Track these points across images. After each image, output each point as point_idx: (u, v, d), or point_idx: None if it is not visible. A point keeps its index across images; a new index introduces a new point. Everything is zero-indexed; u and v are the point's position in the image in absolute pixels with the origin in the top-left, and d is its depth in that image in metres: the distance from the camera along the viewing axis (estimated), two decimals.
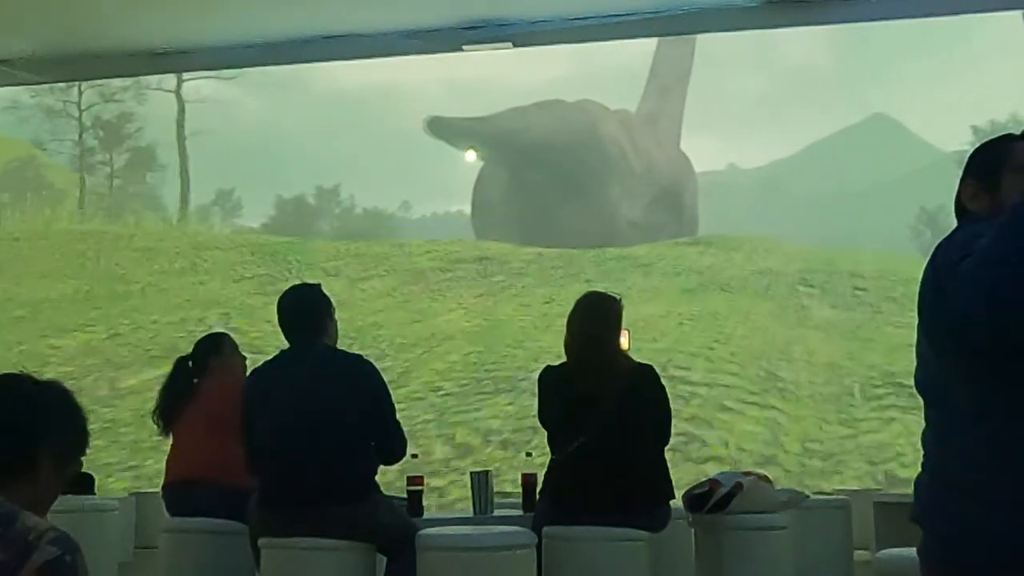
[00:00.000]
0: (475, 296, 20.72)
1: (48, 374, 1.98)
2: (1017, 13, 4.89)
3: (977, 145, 2.12)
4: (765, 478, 4.62)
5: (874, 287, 21.43)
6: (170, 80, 31.94)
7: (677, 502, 4.41)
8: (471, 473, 4.70)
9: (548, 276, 22.10)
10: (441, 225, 28.40)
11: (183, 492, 4.91)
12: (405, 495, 4.53)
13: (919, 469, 1.93)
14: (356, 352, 4.42)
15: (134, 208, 34.44)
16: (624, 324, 4.39)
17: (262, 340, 14.81)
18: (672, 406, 4.31)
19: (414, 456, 4.71)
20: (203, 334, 5.71)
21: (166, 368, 5.41)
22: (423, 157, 29.51)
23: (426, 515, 4.58)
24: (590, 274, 21.69)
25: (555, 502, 4.20)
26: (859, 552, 6.04)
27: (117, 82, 31.38)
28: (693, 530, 4.61)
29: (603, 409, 4.12)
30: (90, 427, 1.92)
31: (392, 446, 4.18)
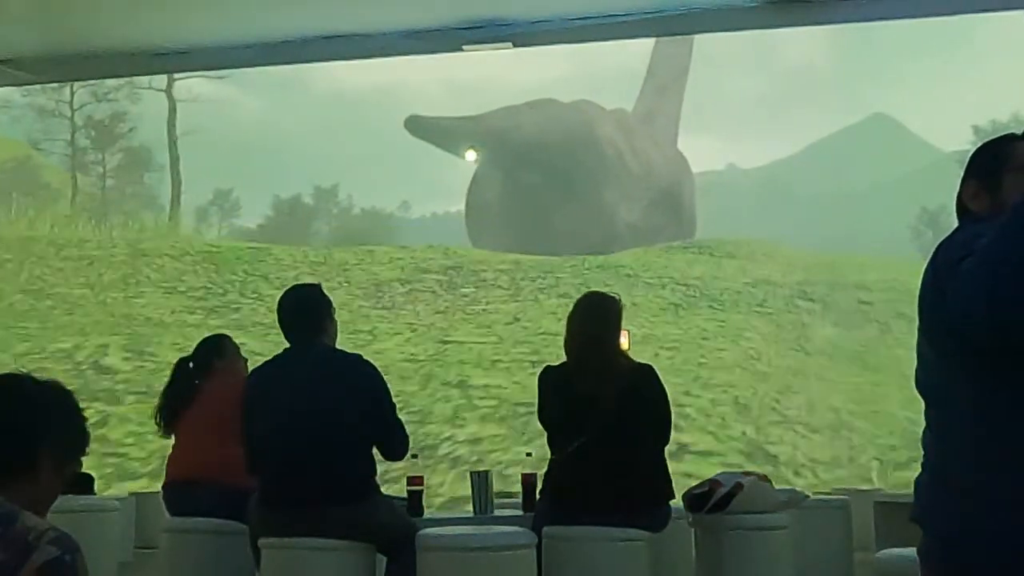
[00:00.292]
0: (433, 313, 19.04)
1: None
2: (1018, 13, 4.90)
3: (978, 145, 2.12)
4: (765, 478, 4.62)
5: (880, 300, 19.91)
6: (161, 79, 31.53)
7: (677, 502, 4.41)
8: (471, 473, 4.70)
9: (520, 288, 20.67)
10: (441, 225, 28.25)
11: (183, 491, 4.91)
12: (405, 495, 4.53)
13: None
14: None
15: (125, 209, 34.16)
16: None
17: (152, 374, 13.74)
18: None
19: (414, 456, 4.71)
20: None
21: None
22: (423, 157, 29.38)
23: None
24: (566, 286, 20.05)
25: (555, 502, 4.21)
26: (859, 552, 6.03)
27: (110, 81, 31.02)
28: (693, 530, 4.61)
29: (603, 409, 4.12)
30: None
31: (394, 444, 4.19)
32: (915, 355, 1.93)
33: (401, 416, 4.34)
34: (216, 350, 5.23)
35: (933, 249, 1.87)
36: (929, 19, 5.29)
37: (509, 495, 5.34)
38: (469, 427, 14.15)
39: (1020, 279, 1.57)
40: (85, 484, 6.48)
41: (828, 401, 15.78)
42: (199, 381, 5.13)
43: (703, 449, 13.14)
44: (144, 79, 31.05)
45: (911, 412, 12.62)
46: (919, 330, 1.91)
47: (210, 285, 20.23)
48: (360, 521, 4.01)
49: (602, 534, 4.06)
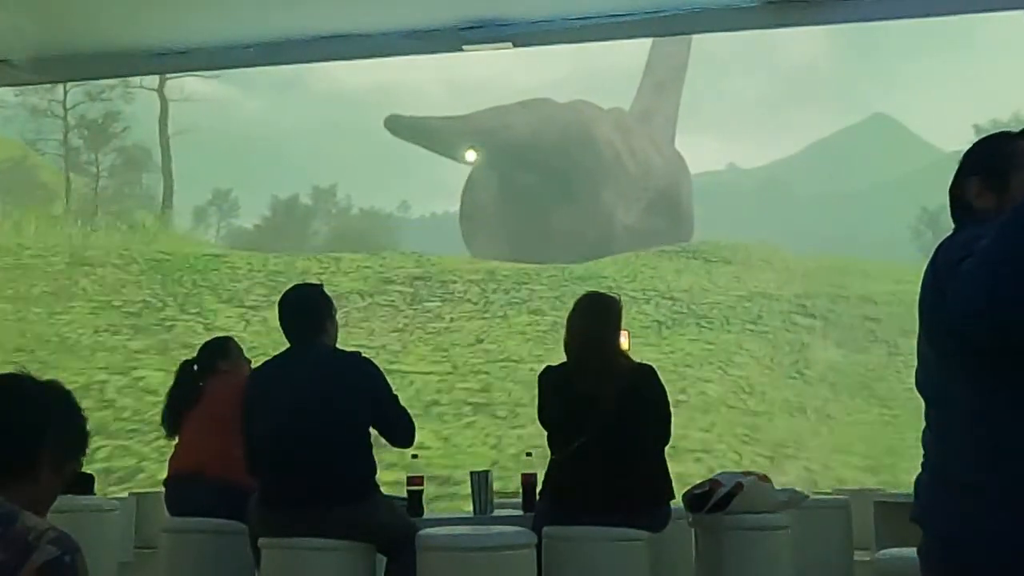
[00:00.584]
0: (389, 332, 17.71)
1: None
2: (1018, 13, 4.90)
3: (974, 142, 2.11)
4: (765, 478, 4.62)
5: (887, 316, 18.15)
6: (153, 77, 31.14)
7: (677, 502, 4.41)
8: (471, 473, 4.70)
9: (490, 302, 19.06)
10: (440, 225, 28.11)
11: (184, 486, 4.92)
12: (405, 495, 4.53)
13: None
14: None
15: (113, 210, 33.78)
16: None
17: None
18: None
19: (414, 456, 4.71)
20: None
21: None
22: (423, 157, 29.23)
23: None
24: (540, 301, 18.74)
25: (555, 502, 4.21)
26: (859, 552, 6.03)
27: (103, 80, 30.60)
28: (693, 530, 4.61)
29: (603, 409, 4.12)
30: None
31: (397, 435, 4.21)
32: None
33: None
34: (221, 352, 5.25)
35: (933, 249, 1.87)
36: (929, 19, 5.28)
37: (509, 495, 5.34)
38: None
39: (1020, 279, 1.57)
40: (85, 484, 6.48)
41: (833, 469, 13.66)
42: (203, 383, 5.15)
43: None
44: (135, 78, 30.62)
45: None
46: (919, 329, 1.91)
47: (150, 299, 18.91)
48: (360, 521, 4.01)
49: (602, 534, 4.05)
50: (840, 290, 20.14)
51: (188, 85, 34.33)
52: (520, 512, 4.52)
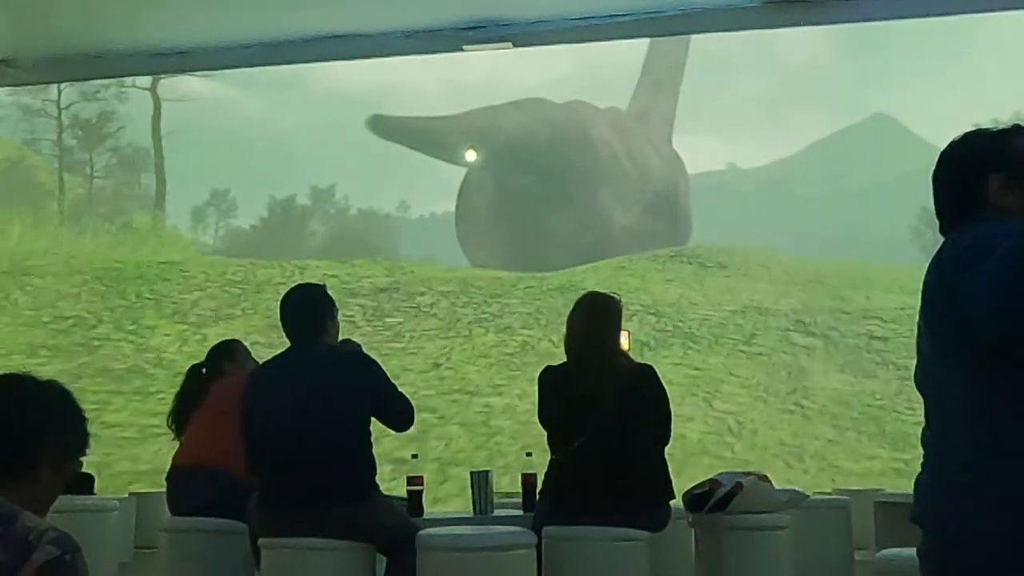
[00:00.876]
0: None
1: None
2: (1018, 13, 4.89)
3: (977, 135, 2.05)
4: (765, 478, 4.62)
5: (895, 335, 16.31)
6: (146, 77, 30.70)
7: (677, 502, 4.41)
8: (471, 473, 4.70)
9: (457, 318, 17.66)
10: (440, 225, 27.95)
11: (183, 479, 4.96)
12: (405, 495, 4.54)
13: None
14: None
15: (101, 212, 33.45)
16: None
17: None
18: None
19: (414, 456, 4.72)
20: None
21: None
22: (423, 157, 29.10)
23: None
24: (510, 317, 17.15)
25: (555, 502, 4.21)
26: (859, 552, 6.03)
27: (97, 79, 30.46)
28: (693, 530, 4.61)
29: (603, 409, 4.13)
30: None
31: (395, 421, 4.22)
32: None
33: None
34: (227, 353, 5.33)
35: (936, 249, 1.86)
36: (929, 19, 5.28)
37: (509, 495, 5.35)
38: None
39: None
40: (85, 484, 6.49)
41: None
42: (210, 384, 5.20)
43: None
44: (128, 78, 30.15)
45: None
46: (919, 328, 1.90)
47: (85, 314, 17.52)
48: (360, 521, 4.01)
49: (602, 534, 4.05)
50: (842, 303, 18.43)
51: (188, 85, 34.23)
52: (520, 512, 4.53)
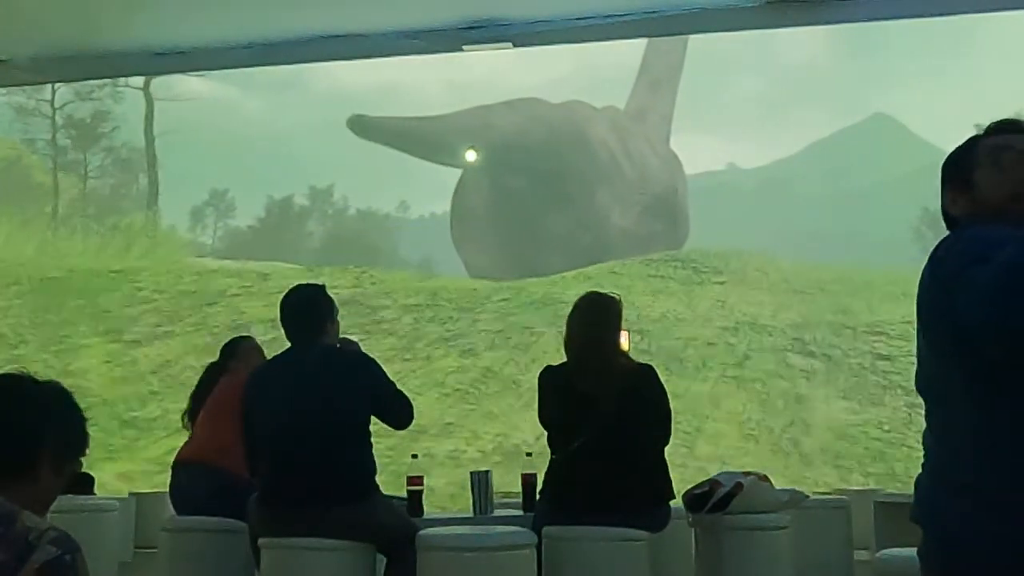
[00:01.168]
0: None
1: None
2: (1018, 13, 4.90)
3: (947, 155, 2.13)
4: (765, 478, 4.62)
5: (903, 356, 14.46)
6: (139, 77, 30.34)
7: (677, 502, 4.41)
8: (471, 473, 4.71)
9: (418, 336, 16.19)
10: (440, 226, 27.81)
11: (182, 473, 5.09)
12: (405, 495, 4.54)
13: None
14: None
15: (104, 213, 33.24)
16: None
17: None
18: None
19: (414, 456, 4.72)
20: None
21: None
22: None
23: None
24: (477, 336, 15.59)
25: (555, 502, 4.21)
26: (859, 552, 6.03)
27: (94, 80, 30.12)
28: (693, 530, 4.61)
29: (603, 409, 4.13)
30: None
31: (394, 419, 4.24)
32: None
33: None
34: (231, 351, 5.44)
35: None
36: (929, 19, 5.28)
37: (509, 495, 5.35)
38: None
39: None
40: (85, 484, 6.50)
41: None
42: (217, 380, 5.34)
43: None
44: (122, 77, 30.14)
45: None
46: (917, 331, 1.90)
47: (8, 332, 16.09)
48: (360, 521, 4.01)
49: (602, 534, 4.05)
50: (844, 316, 16.72)
51: (187, 85, 34.16)
52: (520, 512, 4.53)
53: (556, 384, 4.31)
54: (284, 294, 4.41)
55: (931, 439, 1.88)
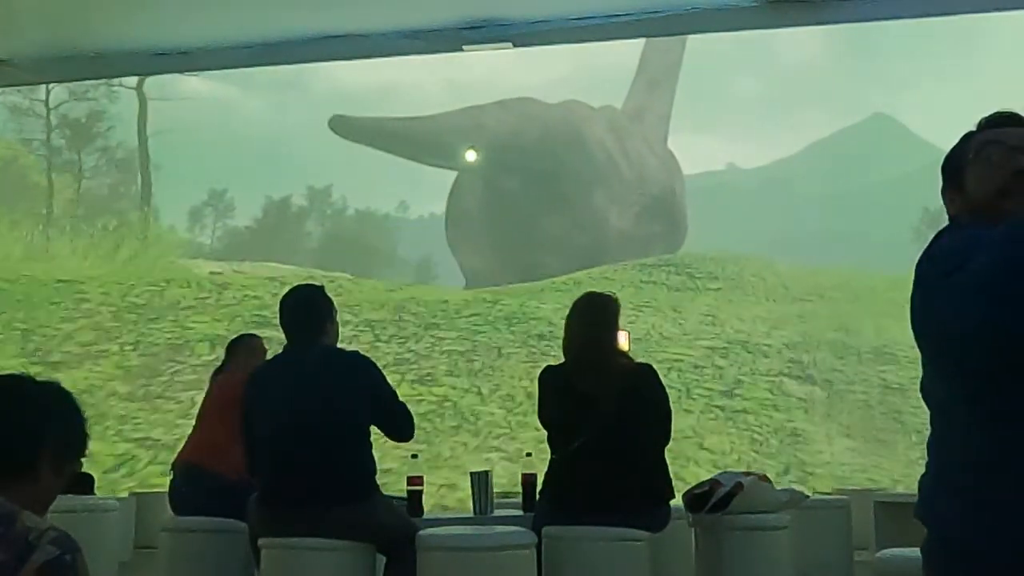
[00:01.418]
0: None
1: None
2: (1018, 13, 4.90)
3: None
4: (765, 478, 4.62)
5: (913, 381, 10.87)
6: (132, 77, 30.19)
7: (677, 502, 4.41)
8: (471, 473, 4.71)
9: (376, 356, 10.22)
10: (439, 226, 27.73)
11: (182, 475, 5.14)
12: (405, 495, 4.54)
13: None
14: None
15: (96, 213, 33.05)
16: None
17: None
18: None
19: (414, 456, 4.72)
20: None
21: None
22: None
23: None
24: (436, 360, 14.35)
25: (555, 502, 4.21)
26: (859, 552, 6.03)
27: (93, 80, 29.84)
28: (693, 530, 4.61)
29: (603, 409, 4.13)
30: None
31: (395, 430, 4.22)
32: None
33: None
34: (231, 350, 5.47)
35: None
36: (929, 19, 5.28)
37: (509, 495, 5.35)
38: None
39: (1016, 302, 1.56)
40: (85, 484, 6.50)
41: None
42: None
43: None
44: (122, 78, 29.84)
45: None
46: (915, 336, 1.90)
47: None
48: (360, 521, 4.01)
49: (602, 534, 4.05)
50: (847, 335, 15.19)
51: (187, 84, 34.12)
52: (520, 512, 4.53)
53: (556, 384, 4.31)
54: (283, 296, 4.41)
55: (933, 441, 1.89)
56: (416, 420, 4.38)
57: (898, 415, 12.92)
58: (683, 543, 4.63)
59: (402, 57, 5.11)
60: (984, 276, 1.59)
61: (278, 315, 4.35)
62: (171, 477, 5.27)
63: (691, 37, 23.13)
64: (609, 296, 4.46)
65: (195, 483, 4.98)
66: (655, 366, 4.39)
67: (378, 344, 15.32)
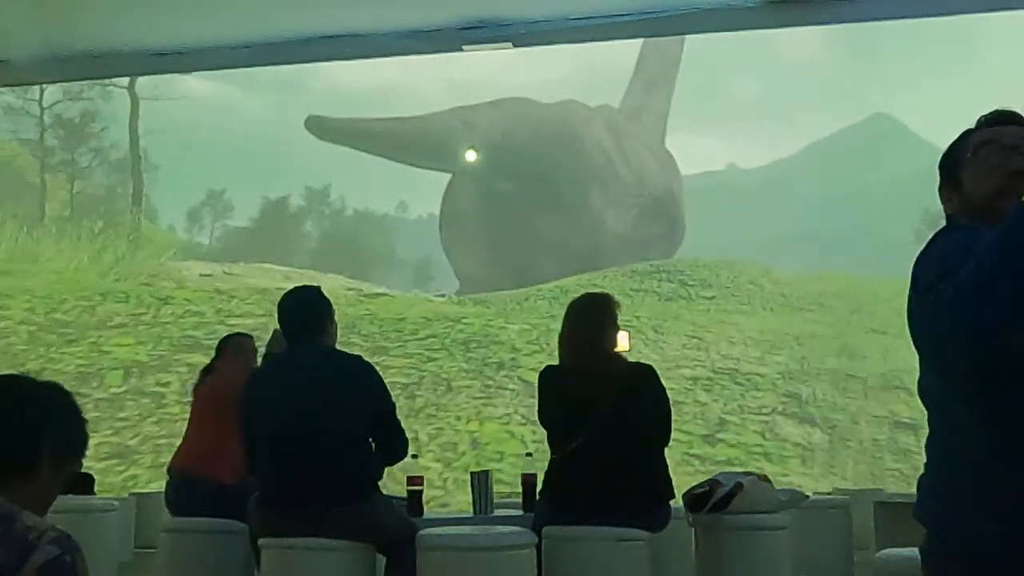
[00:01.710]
0: None
1: None
2: (1018, 13, 4.90)
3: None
4: (765, 478, 4.62)
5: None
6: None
7: (677, 502, 4.42)
8: (471, 473, 4.71)
9: None
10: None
11: (175, 483, 5.13)
12: (405, 495, 4.54)
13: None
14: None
15: (90, 214, 32.88)
16: None
17: None
18: None
19: (414, 456, 4.72)
20: None
21: None
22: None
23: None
24: None
25: (555, 502, 4.21)
26: (859, 552, 6.03)
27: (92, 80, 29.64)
28: (693, 530, 4.61)
29: (602, 410, 4.13)
30: None
31: (393, 444, 4.20)
32: None
33: None
34: (219, 351, 5.41)
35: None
36: (929, 19, 5.29)
37: (509, 495, 5.35)
38: None
39: (1002, 311, 1.56)
40: (85, 484, 6.50)
41: None
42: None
43: None
44: (123, 77, 29.37)
45: None
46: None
47: None
48: (360, 521, 4.01)
49: (602, 534, 4.05)
50: (851, 361, 13.27)
51: (187, 84, 34.06)
52: (520, 512, 4.53)
53: (555, 385, 4.31)
54: (282, 297, 4.40)
55: (933, 442, 1.89)
56: None
57: (909, 457, 11.12)
58: (683, 543, 4.63)
59: (402, 57, 5.12)
60: (969, 284, 1.59)
61: (277, 317, 4.34)
62: (166, 482, 5.26)
63: (690, 37, 22.90)
64: (605, 297, 4.46)
65: (190, 490, 4.97)
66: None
67: None
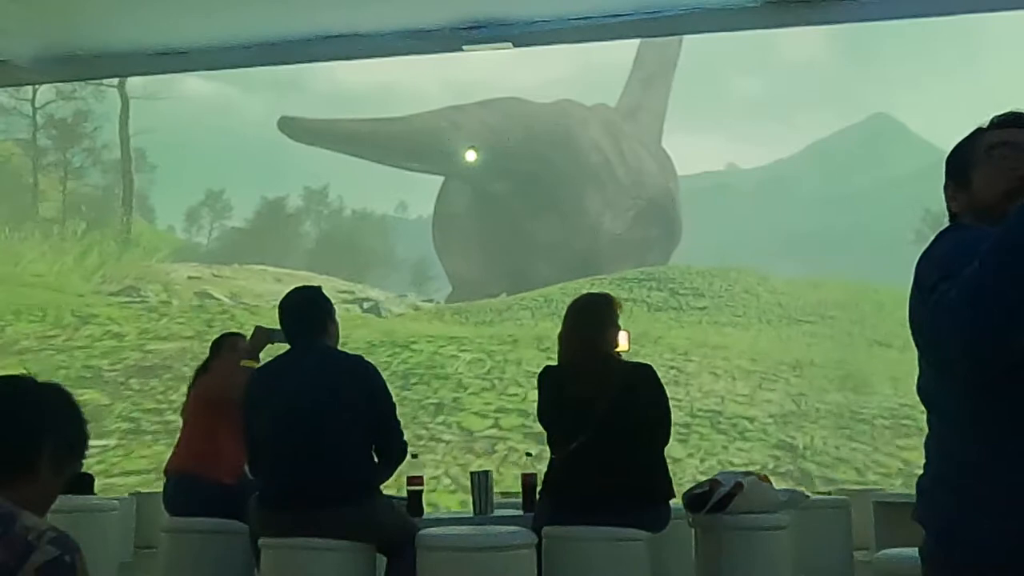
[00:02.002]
0: None
1: None
2: (1018, 13, 4.90)
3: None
4: (765, 478, 4.62)
5: None
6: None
7: (677, 502, 4.41)
8: (471, 473, 4.71)
9: None
10: None
11: (172, 484, 5.11)
12: (405, 495, 4.54)
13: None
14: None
15: (84, 213, 32.80)
16: None
17: None
18: None
19: (414, 456, 4.72)
20: None
21: None
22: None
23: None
24: None
25: (555, 502, 4.21)
26: (859, 552, 6.03)
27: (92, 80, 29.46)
28: (693, 530, 4.61)
29: (602, 410, 4.13)
30: None
31: (392, 447, 4.19)
32: None
33: None
34: (215, 349, 5.38)
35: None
36: (929, 19, 5.29)
37: (509, 495, 5.35)
38: None
39: (1003, 315, 1.56)
40: (85, 484, 6.50)
41: None
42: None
43: None
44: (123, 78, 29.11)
45: None
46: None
47: None
48: (360, 521, 4.01)
49: (602, 534, 4.05)
50: (856, 397, 11.55)
51: (187, 84, 33.97)
52: (520, 512, 4.52)
53: (555, 385, 4.31)
54: (282, 297, 4.40)
55: (932, 443, 1.88)
56: None
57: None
58: (683, 543, 4.63)
59: (402, 57, 5.12)
60: (971, 286, 1.59)
61: (278, 317, 4.34)
62: (164, 483, 5.23)
63: (690, 36, 22.69)
64: (604, 296, 4.46)
65: (187, 493, 4.95)
66: None
67: None
